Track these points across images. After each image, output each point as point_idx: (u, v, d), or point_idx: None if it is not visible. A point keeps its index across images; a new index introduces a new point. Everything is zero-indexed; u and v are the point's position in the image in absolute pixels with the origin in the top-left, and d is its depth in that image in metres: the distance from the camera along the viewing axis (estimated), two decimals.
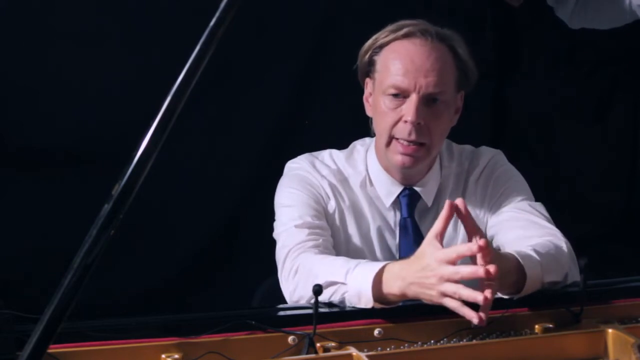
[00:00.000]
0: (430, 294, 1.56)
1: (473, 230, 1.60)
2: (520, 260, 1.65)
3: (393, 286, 1.62)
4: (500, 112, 3.58)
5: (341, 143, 2.11)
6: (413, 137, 1.89)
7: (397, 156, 1.92)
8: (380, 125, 1.94)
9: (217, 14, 1.30)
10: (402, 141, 1.90)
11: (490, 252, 1.53)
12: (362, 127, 2.11)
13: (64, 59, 2.89)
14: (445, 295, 1.54)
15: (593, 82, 3.63)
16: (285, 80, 3.22)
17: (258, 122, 3.19)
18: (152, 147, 1.26)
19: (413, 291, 1.59)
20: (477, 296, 1.49)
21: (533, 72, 3.59)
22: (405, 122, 1.89)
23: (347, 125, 2.32)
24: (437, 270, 1.54)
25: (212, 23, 1.30)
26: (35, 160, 2.93)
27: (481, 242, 1.50)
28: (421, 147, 1.91)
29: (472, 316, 1.50)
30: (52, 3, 2.88)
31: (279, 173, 2.07)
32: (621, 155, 3.75)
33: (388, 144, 1.93)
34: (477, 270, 1.50)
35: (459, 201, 1.60)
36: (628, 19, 2.74)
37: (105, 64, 2.92)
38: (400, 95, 1.90)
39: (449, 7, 3.20)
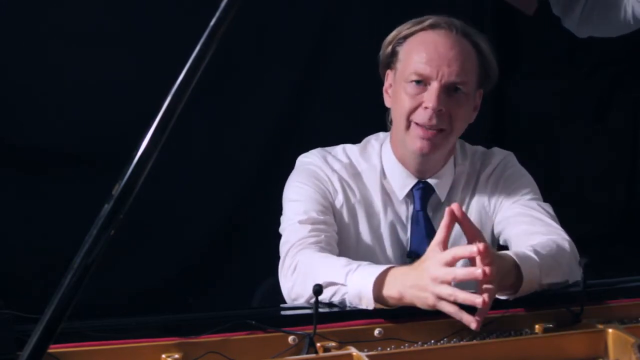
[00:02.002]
0: (425, 297, 1.55)
1: (472, 233, 1.60)
2: (518, 262, 1.65)
3: (392, 289, 1.62)
4: (500, 112, 3.58)
5: (341, 143, 2.11)
6: (433, 122, 1.89)
7: (417, 141, 1.92)
8: (399, 110, 1.94)
9: (217, 14, 1.30)
10: (421, 126, 1.90)
11: (490, 255, 1.52)
12: (363, 127, 2.11)
13: (64, 59, 2.89)
14: (440, 298, 1.53)
15: (593, 82, 3.63)
16: (286, 80, 3.22)
17: (258, 122, 3.19)
18: (152, 147, 1.26)
19: (410, 295, 1.58)
20: (475, 299, 1.49)
21: (533, 72, 3.59)
22: (426, 108, 1.89)
23: (348, 125, 2.33)
24: (432, 271, 1.54)
25: (212, 23, 1.30)
26: (35, 160, 2.93)
27: (480, 245, 1.50)
28: (440, 133, 1.91)
29: (470, 321, 1.50)
30: (53, 3, 2.88)
31: (279, 174, 2.07)
32: (621, 155, 3.76)
33: (407, 127, 1.93)
34: (474, 271, 1.49)
35: (454, 206, 1.59)
36: (633, 27, 2.75)
37: (105, 64, 2.92)
38: (422, 82, 1.90)
39: (448, 7, 3.20)
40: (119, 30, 2.95)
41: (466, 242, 1.95)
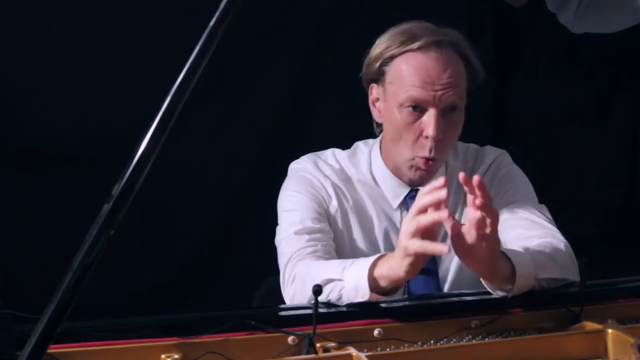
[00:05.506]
0: (401, 255, 1.57)
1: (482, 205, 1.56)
2: (506, 252, 1.66)
3: (383, 266, 1.64)
4: (500, 112, 3.58)
5: (341, 143, 2.11)
6: (433, 154, 1.90)
7: (417, 172, 1.94)
8: (400, 140, 1.93)
9: (217, 14, 1.30)
10: (422, 158, 1.91)
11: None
12: (362, 127, 2.11)
13: (64, 59, 2.89)
14: (411, 248, 1.55)
15: (593, 82, 3.63)
16: (285, 80, 3.22)
17: (258, 122, 3.19)
18: (152, 147, 1.26)
19: (396, 264, 1.60)
20: (443, 248, 1.52)
21: (533, 72, 3.59)
22: (426, 137, 1.89)
23: (347, 125, 2.33)
24: (402, 230, 1.57)
25: (212, 23, 1.30)
26: (35, 160, 2.93)
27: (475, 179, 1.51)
28: (435, 162, 1.93)
29: (443, 250, 1.52)
30: (53, 3, 2.88)
31: (279, 173, 2.07)
32: (621, 155, 3.75)
33: (411, 159, 1.93)
34: (436, 215, 1.52)
35: (476, 178, 1.55)
36: (632, 22, 2.74)
37: (105, 64, 2.92)
38: (418, 108, 1.89)
39: (449, 7, 3.20)
40: (118, 30, 2.96)
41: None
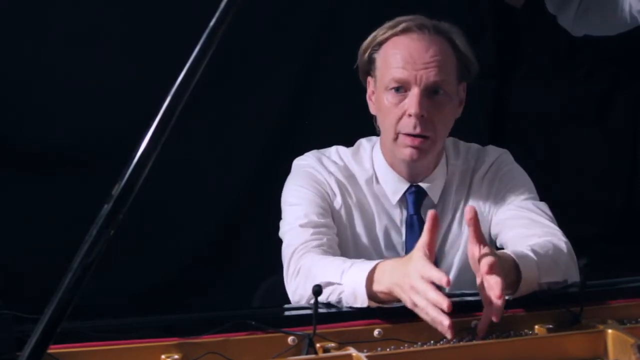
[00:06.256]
0: (405, 298, 1.58)
1: (477, 239, 1.58)
2: (517, 261, 1.65)
3: (382, 283, 1.63)
4: (500, 112, 3.58)
5: (341, 143, 2.11)
6: (418, 130, 1.89)
7: (405, 150, 1.92)
8: (385, 121, 1.95)
9: (217, 14, 1.30)
10: (407, 135, 1.91)
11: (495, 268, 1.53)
12: (362, 127, 2.11)
13: (64, 59, 2.90)
14: (415, 306, 1.55)
15: (593, 82, 3.63)
16: (286, 80, 3.22)
17: (258, 122, 3.19)
18: (152, 147, 1.26)
19: (396, 292, 1.60)
20: (443, 321, 1.50)
21: (533, 72, 3.59)
22: (409, 115, 1.89)
23: (347, 125, 2.33)
24: (412, 280, 1.54)
25: (212, 23, 1.30)
26: (36, 160, 2.93)
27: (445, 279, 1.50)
28: (426, 140, 1.92)
29: (444, 330, 1.51)
30: (53, 3, 2.88)
31: (279, 173, 2.07)
32: (621, 155, 3.75)
33: (395, 139, 1.93)
34: (440, 317, 1.50)
35: (468, 209, 1.58)
36: (630, 25, 2.74)
37: (105, 64, 2.92)
38: (402, 89, 1.90)
39: (449, 7, 3.20)
40: (119, 30, 2.96)
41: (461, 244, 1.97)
